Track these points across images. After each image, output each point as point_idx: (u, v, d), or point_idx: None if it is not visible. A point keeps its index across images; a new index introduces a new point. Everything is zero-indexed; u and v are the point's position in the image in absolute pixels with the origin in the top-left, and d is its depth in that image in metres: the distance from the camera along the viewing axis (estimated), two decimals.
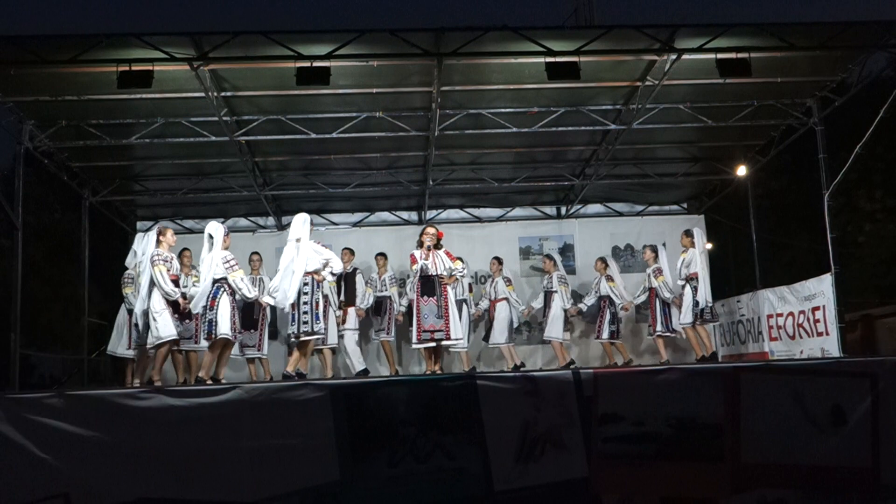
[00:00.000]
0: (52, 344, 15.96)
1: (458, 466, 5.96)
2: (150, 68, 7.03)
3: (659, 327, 9.47)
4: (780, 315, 10.02)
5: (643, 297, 9.86)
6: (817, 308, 9.19)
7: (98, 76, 7.60)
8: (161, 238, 7.43)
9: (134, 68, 7.02)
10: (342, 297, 9.82)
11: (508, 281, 10.15)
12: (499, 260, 10.30)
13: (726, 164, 10.97)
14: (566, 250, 11.72)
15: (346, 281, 9.89)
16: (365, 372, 9.54)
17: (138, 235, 8.50)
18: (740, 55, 7.37)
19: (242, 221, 11.72)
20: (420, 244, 8.08)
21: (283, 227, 11.70)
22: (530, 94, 8.75)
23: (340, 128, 8.99)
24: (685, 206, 12.32)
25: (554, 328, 9.80)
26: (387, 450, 5.94)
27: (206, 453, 5.84)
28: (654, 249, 9.79)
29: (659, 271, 9.49)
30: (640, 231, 11.81)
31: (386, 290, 10.05)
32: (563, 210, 12.09)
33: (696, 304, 8.94)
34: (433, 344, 7.90)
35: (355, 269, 10.02)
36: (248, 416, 5.93)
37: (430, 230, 8.09)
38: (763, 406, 6.22)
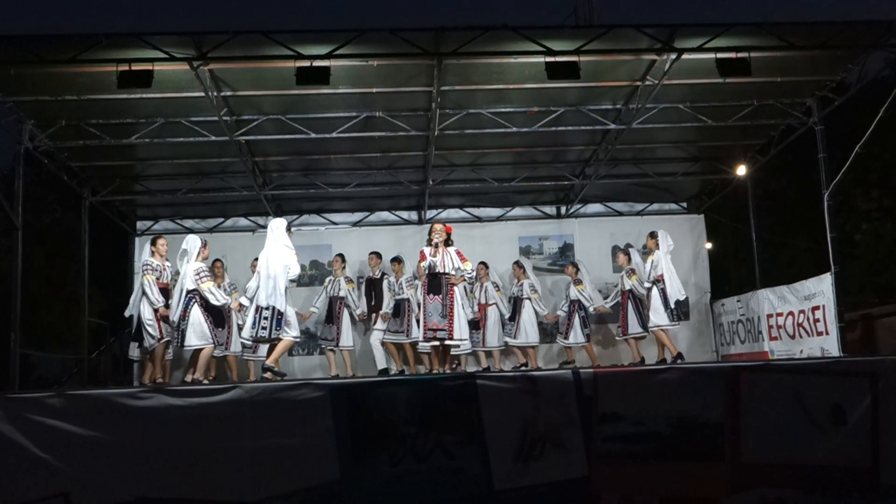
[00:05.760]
0: (52, 344, 15.94)
1: (458, 466, 5.97)
2: (150, 68, 7.02)
3: (631, 329, 9.67)
4: (780, 314, 10.03)
5: (616, 300, 10.06)
6: (817, 307, 9.19)
7: (98, 76, 7.59)
8: (153, 248, 7.89)
9: (134, 68, 7.01)
10: (373, 302, 9.94)
11: (497, 286, 10.33)
12: (485, 265, 10.41)
13: (726, 163, 10.97)
14: (566, 250, 11.72)
15: (374, 286, 10.00)
16: (385, 371, 9.75)
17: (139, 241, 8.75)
18: (740, 55, 7.36)
19: (242, 221, 11.72)
20: (430, 241, 8.08)
21: None
22: (530, 93, 8.75)
23: (340, 128, 8.99)
24: (685, 205, 12.32)
25: (522, 334, 10.14)
26: (387, 449, 5.95)
27: (206, 453, 5.84)
28: (627, 252, 10.10)
29: (632, 272, 9.71)
30: (640, 231, 11.79)
31: (403, 293, 10.02)
32: (563, 210, 12.09)
33: (665, 305, 9.08)
34: (437, 343, 7.90)
35: (383, 274, 10.13)
36: (248, 415, 5.94)
37: (438, 227, 8.09)
38: (763, 405, 6.22)
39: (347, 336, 9.92)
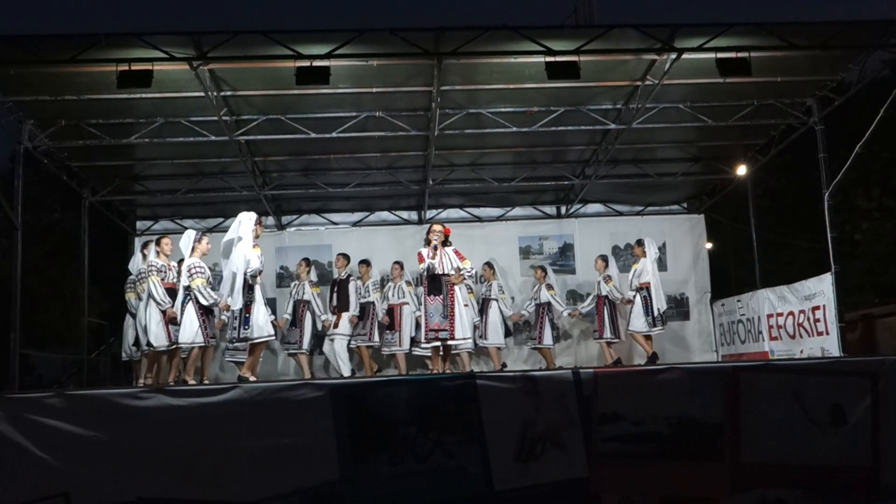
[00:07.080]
0: (52, 344, 15.98)
1: (458, 466, 5.96)
2: (150, 68, 7.01)
3: (607, 333, 9.89)
4: (781, 314, 10.02)
5: (591, 306, 10.19)
6: (817, 307, 9.19)
7: (98, 76, 7.59)
8: (158, 248, 7.77)
9: (133, 68, 7.01)
10: (335, 304, 9.86)
11: (470, 289, 10.19)
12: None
13: (726, 163, 10.97)
14: (566, 250, 11.72)
15: (339, 287, 9.94)
16: (353, 375, 9.65)
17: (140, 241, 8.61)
18: (740, 54, 7.36)
19: None
20: (427, 242, 8.08)
21: (283, 227, 11.72)
22: (530, 93, 8.74)
23: (340, 127, 8.99)
24: (685, 205, 12.32)
25: (492, 335, 10.00)
26: (387, 449, 5.95)
27: (206, 453, 5.84)
28: (605, 259, 10.24)
29: (609, 278, 9.94)
30: (640, 231, 11.76)
31: (369, 296, 10.03)
32: (563, 210, 12.09)
33: (647, 312, 9.33)
34: (438, 343, 7.91)
35: (349, 276, 10.06)
36: (248, 415, 5.93)
37: (437, 227, 8.09)
38: (763, 406, 6.22)
39: (307, 340, 9.83)
